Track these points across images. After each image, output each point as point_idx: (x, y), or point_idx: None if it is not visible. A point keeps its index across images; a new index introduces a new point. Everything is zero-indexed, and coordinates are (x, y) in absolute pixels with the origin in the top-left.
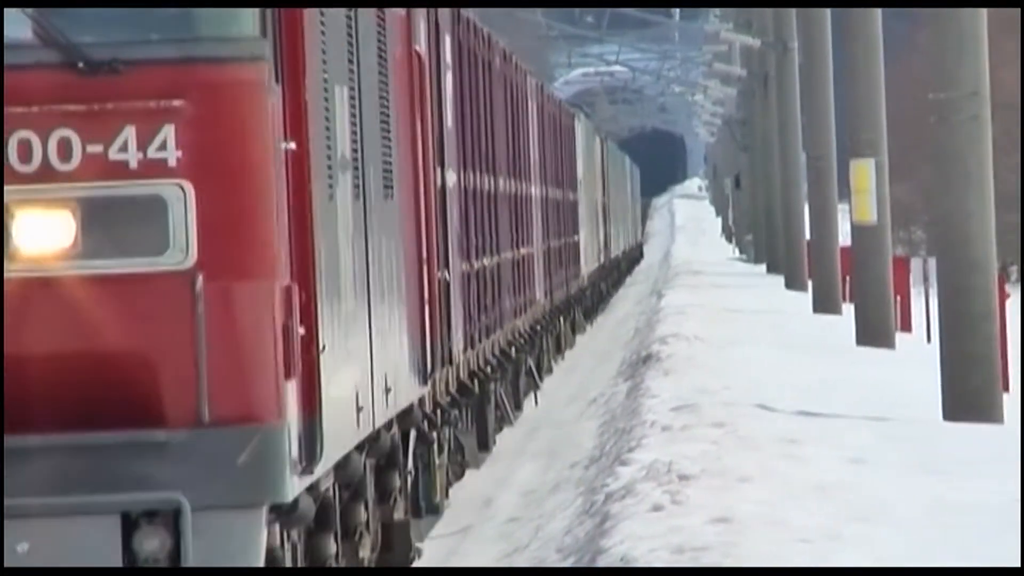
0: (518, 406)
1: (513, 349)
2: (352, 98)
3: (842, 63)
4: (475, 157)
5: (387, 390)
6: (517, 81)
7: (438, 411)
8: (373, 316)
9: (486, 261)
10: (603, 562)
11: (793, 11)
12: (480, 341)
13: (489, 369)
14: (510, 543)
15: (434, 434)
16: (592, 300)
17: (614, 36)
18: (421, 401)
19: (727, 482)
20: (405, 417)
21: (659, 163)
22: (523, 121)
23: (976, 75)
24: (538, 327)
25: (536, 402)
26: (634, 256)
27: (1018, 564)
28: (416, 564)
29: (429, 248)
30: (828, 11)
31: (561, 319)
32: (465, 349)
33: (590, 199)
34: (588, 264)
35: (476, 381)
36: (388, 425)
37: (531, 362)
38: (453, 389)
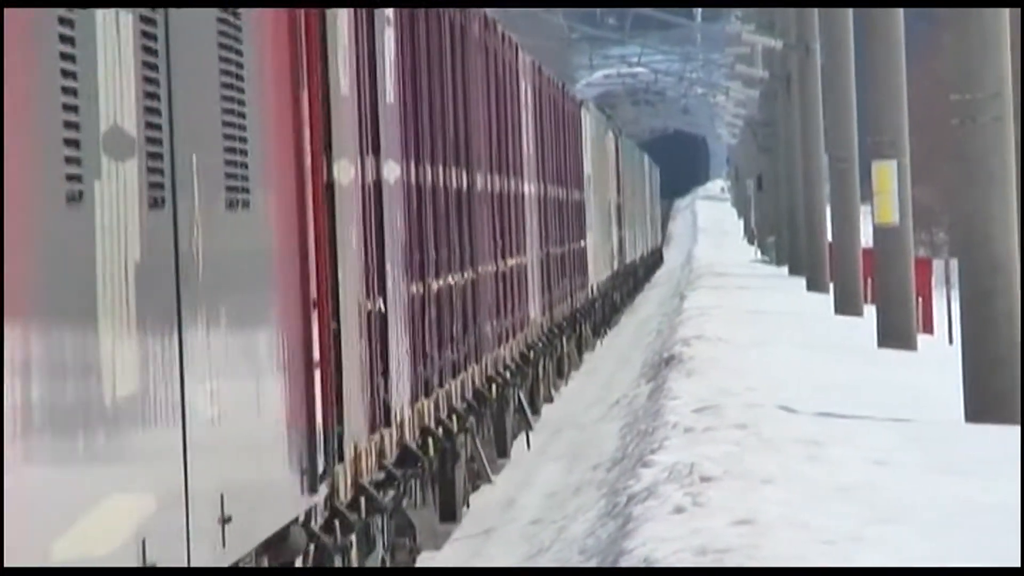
0: (503, 453)
1: (494, 386)
2: (148, 52)
3: (864, 64)
4: (434, 145)
5: (224, 520)
6: (504, 55)
7: (364, 499)
8: (190, 399)
9: (454, 278)
10: (626, 564)
11: (815, 12)
12: (442, 384)
13: (455, 419)
14: None
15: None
16: (603, 313)
17: (636, 38)
18: (310, 515)
19: (750, 484)
20: (275, 548)
21: (681, 165)
22: (512, 104)
23: (999, 76)
24: (532, 352)
25: (528, 444)
26: (653, 261)
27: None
28: None
29: (321, 280)
30: (850, 12)
31: (563, 339)
32: (415, 399)
33: (601, 199)
34: (598, 272)
35: (432, 440)
36: None
37: (522, 396)
38: (391, 459)
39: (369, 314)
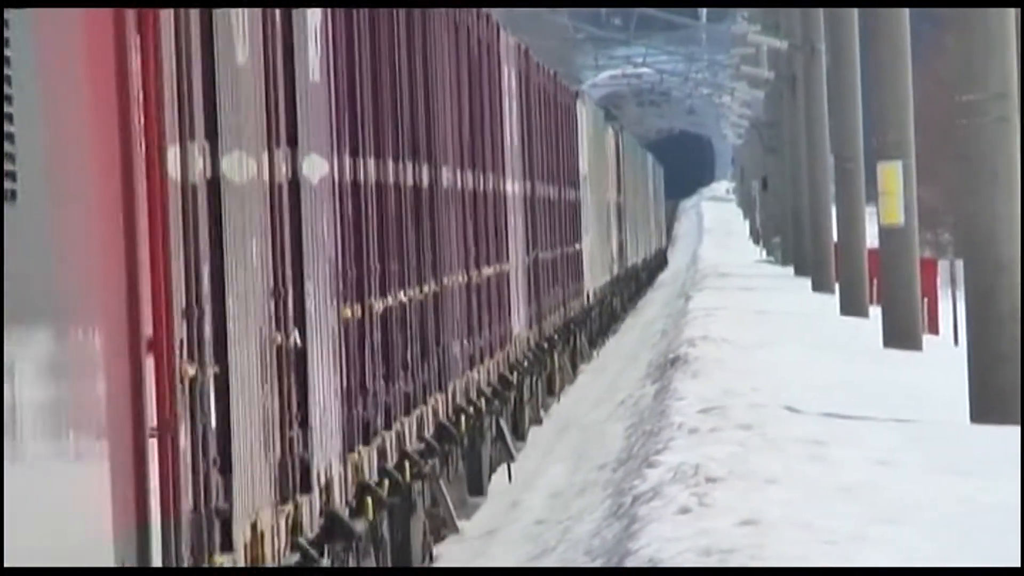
0: (477, 490)
1: (464, 418)
2: None
3: (870, 65)
4: (381, 135)
5: None
6: (481, 34)
7: None
8: None
9: (409, 294)
10: (631, 565)
11: (821, 13)
12: (390, 425)
13: (409, 466)
14: None
15: None
16: (601, 321)
17: (641, 39)
18: None
19: (754, 484)
20: None
21: (687, 165)
22: (491, 90)
23: (1004, 76)
24: (516, 372)
25: (509, 477)
26: (657, 264)
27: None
28: None
29: (159, 311)
30: (856, 13)
31: (554, 354)
32: (349, 450)
33: (599, 199)
34: (595, 278)
35: (372, 499)
36: None
37: (503, 423)
38: (311, 534)
39: (279, 350)
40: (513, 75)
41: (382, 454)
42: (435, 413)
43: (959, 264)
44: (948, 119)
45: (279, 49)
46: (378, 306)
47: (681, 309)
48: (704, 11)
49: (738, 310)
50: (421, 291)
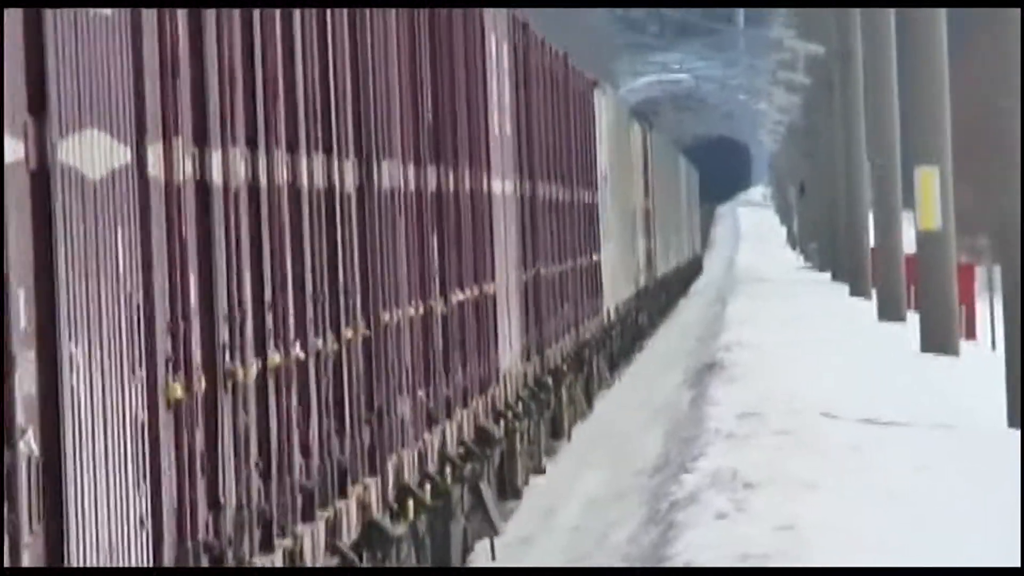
0: None
1: (412, 504)
2: None
3: (906, 70)
4: (302, 122)
5: None
6: None
7: None
8: None
9: (310, 347)
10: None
11: (858, 18)
12: (284, 535)
13: None
14: None
15: None
16: (623, 341)
17: (678, 45)
18: None
19: (792, 490)
20: None
21: (724, 171)
22: (468, 68)
23: None
24: (505, 421)
25: (492, 555)
26: (691, 273)
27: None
28: None
29: None
30: (892, 19)
31: (563, 386)
32: None
33: (624, 203)
34: (617, 292)
35: None
36: None
37: (485, 488)
38: None
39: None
40: (504, 51)
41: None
42: (364, 507)
43: (996, 269)
44: (987, 123)
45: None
46: (239, 375)
47: (718, 315)
48: (741, 17)
49: (775, 316)
50: (360, 332)
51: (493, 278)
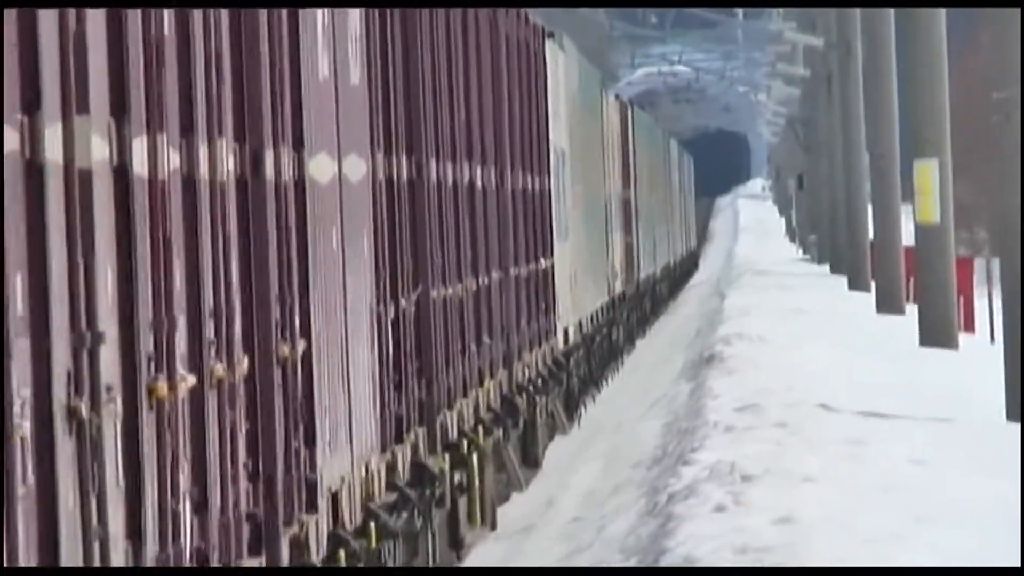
0: None
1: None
2: None
3: (906, 63)
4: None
5: None
6: None
7: None
8: None
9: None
10: (666, 563)
11: (857, 11)
12: None
13: None
14: None
15: None
16: (589, 366)
17: (677, 36)
18: None
19: (790, 483)
20: None
21: (723, 163)
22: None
23: None
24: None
25: None
26: (684, 271)
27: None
28: None
29: None
30: (892, 11)
31: (474, 470)
32: None
33: (593, 191)
34: (580, 305)
35: None
36: None
37: None
38: None
39: None
40: None
41: None
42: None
43: (995, 262)
44: (985, 116)
45: None
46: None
47: (716, 307)
48: (741, 9)
49: (773, 308)
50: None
51: (320, 323)
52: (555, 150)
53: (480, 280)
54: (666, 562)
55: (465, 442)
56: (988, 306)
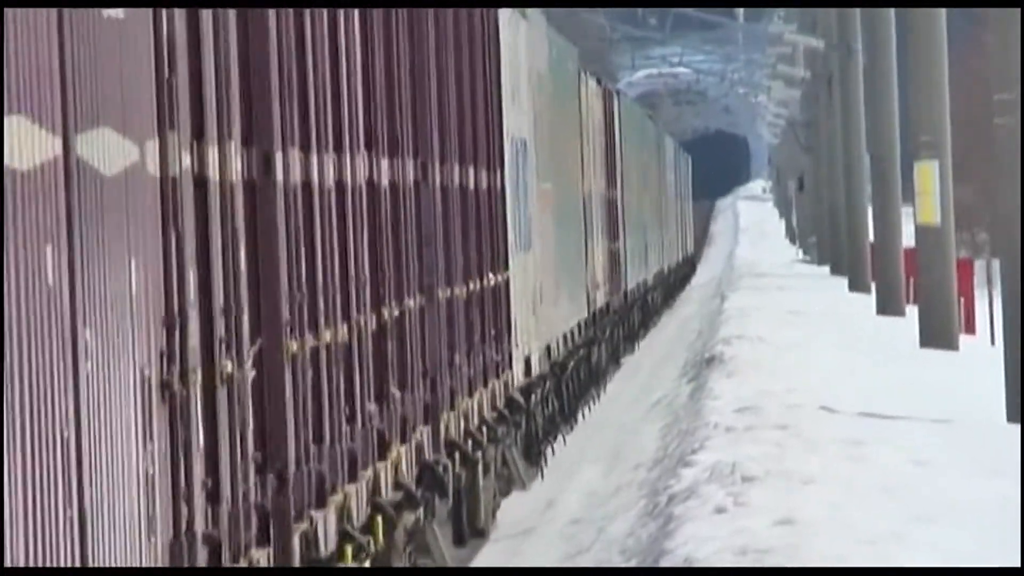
0: None
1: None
2: None
3: (906, 65)
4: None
5: None
6: None
7: None
8: None
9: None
10: (667, 564)
11: (857, 13)
12: None
13: None
14: None
15: None
16: (559, 403)
17: (677, 38)
18: None
19: (791, 484)
20: None
21: (723, 164)
22: None
23: None
24: None
25: None
26: (679, 278)
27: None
28: None
29: None
30: (892, 13)
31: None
32: None
33: (568, 190)
34: (549, 327)
35: None
36: None
37: None
38: None
39: None
40: None
41: None
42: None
43: (995, 264)
44: (985, 117)
45: None
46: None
47: (716, 309)
48: (741, 10)
49: (774, 309)
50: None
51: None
52: (512, 139)
53: (386, 312)
54: (666, 564)
55: (350, 546)
56: (988, 308)
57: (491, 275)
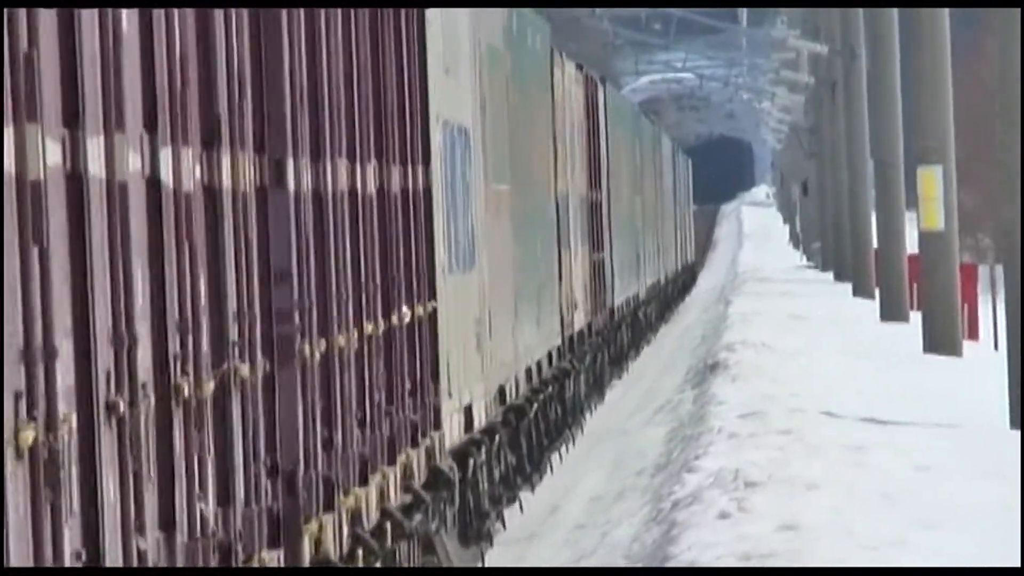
0: None
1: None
2: None
3: (910, 70)
4: None
5: None
6: None
7: None
8: None
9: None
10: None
11: (861, 18)
12: None
13: None
14: None
15: None
16: (516, 458)
17: (681, 43)
18: None
19: (794, 489)
20: None
21: (727, 170)
22: None
23: None
24: None
25: None
26: (678, 288)
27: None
28: None
29: None
30: (896, 18)
31: None
32: None
33: (534, 191)
34: (501, 365)
35: None
36: None
37: None
38: None
39: None
40: None
41: None
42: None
43: (999, 269)
44: (989, 122)
45: None
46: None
47: (720, 314)
48: (744, 16)
49: (777, 315)
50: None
51: None
52: (445, 128)
53: (215, 378)
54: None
55: None
56: (992, 313)
57: (404, 309)
